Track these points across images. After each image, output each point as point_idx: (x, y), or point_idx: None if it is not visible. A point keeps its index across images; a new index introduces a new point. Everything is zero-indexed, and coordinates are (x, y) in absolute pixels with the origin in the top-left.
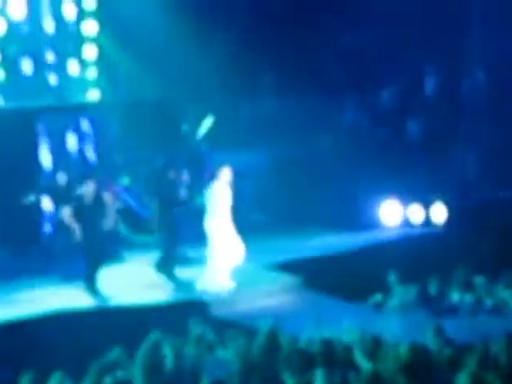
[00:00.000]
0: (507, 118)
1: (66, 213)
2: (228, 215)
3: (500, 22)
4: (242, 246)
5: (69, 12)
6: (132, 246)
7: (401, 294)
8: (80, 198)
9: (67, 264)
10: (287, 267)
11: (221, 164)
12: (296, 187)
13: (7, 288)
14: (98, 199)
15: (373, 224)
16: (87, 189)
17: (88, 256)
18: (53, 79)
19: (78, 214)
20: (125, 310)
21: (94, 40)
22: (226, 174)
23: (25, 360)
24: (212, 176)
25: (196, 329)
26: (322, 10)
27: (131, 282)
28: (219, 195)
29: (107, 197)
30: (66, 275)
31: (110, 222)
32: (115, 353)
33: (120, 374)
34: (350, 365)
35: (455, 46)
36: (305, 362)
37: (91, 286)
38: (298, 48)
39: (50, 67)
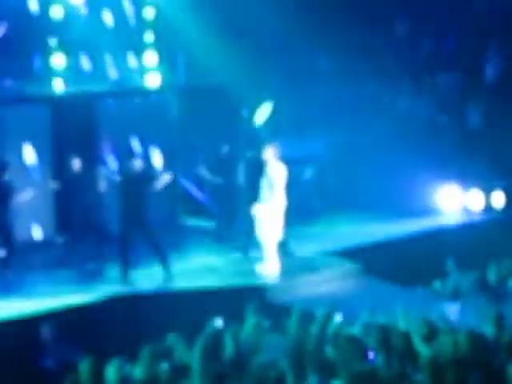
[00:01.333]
0: None
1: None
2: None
3: None
4: (281, 231)
5: None
6: (190, 232)
7: (459, 280)
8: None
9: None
10: (346, 253)
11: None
12: (354, 173)
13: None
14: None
15: (431, 210)
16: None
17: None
18: (112, 64)
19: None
20: (183, 294)
21: (152, 24)
22: (271, 151)
23: (85, 344)
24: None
25: (253, 315)
26: None
27: (190, 266)
28: (274, 176)
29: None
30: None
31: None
32: (170, 339)
33: (176, 359)
34: (407, 351)
35: None
36: (360, 349)
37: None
38: (353, 34)
39: (110, 52)
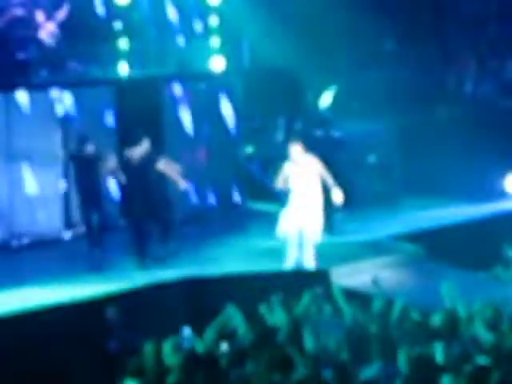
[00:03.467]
0: None
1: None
2: (315, 189)
3: None
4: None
5: None
6: (254, 214)
7: None
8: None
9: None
10: (410, 238)
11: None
12: (420, 157)
13: None
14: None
15: (499, 195)
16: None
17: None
18: (177, 47)
19: None
20: (247, 277)
21: (217, 9)
22: (296, 151)
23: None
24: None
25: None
26: None
27: (254, 249)
28: (291, 176)
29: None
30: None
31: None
32: (230, 311)
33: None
34: (471, 337)
35: None
36: (425, 333)
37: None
38: (419, 17)
39: (174, 35)
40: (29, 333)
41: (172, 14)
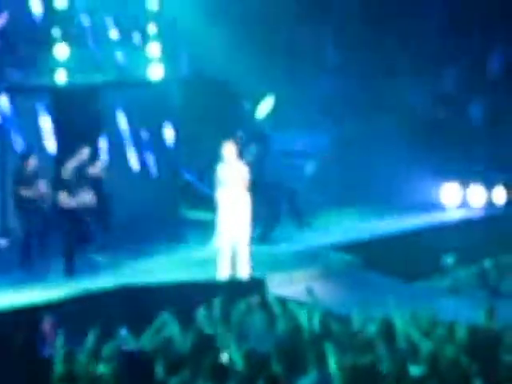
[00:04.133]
0: None
1: None
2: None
3: None
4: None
5: None
6: (190, 224)
7: (458, 275)
8: None
9: None
10: (346, 248)
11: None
12: (357, 168)
13: None
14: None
15: (433, 205)
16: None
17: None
18: (115, 55)
19: None
20: (183, 285)
21: (156, 16)
22: (229, 152)
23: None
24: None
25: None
26: None
27: (190, 257)
28: (227, 174)
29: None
30: None
31: None
32: (164, 317)
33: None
34: (408, 344)
35: None
36: (362, 342)
37: None
38: (360, 28)
39: (113, 43)
40: None
41: (110, 21)
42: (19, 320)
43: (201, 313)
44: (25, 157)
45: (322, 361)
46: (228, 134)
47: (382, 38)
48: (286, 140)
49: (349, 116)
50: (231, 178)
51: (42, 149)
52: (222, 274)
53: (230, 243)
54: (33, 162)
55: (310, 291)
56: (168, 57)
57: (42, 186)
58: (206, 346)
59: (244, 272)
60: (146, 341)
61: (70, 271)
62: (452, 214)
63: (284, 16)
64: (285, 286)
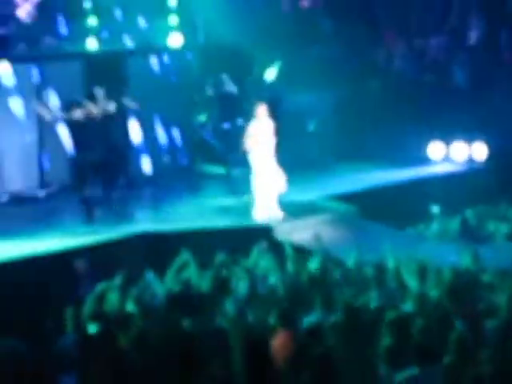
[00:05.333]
0: None
1: None
2: (271, 150)
3: None
4: (284, 179)
5: None
6: (205, 177)
7: (443, 223)
8: None
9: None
10: (343, 198)
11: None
12: (353, 126)
13: None
14: None
15: (421, 160)
16: None
17: None
18: (140, 24)
19: None
20: (201, 231)
21: None
22: (262, 112)
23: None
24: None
25: (259, 251)
26: None
27: (206, 208)
28: (256, 133)
29: None
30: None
31: None
32: (184, 256)
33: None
34: (398, 285)
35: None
36: (360, 282)
37: None
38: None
39: (137, 14)
40: (6, 280)
41: None
42: (56, 264)
43: (218, 257)
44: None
45: (325, 300)
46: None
47: (372, 7)
48: (291, 100)
49: (343, 80)
50: (263, 134)
51: None
52: (258, 218)
53: (263, 192)
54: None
55: (317, 237)
56: (186, 26)
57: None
58: (223, 286)
59: (276, 215)
60: (169, 282)
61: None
62: (437, 169)
63: None
64: (289, 233)
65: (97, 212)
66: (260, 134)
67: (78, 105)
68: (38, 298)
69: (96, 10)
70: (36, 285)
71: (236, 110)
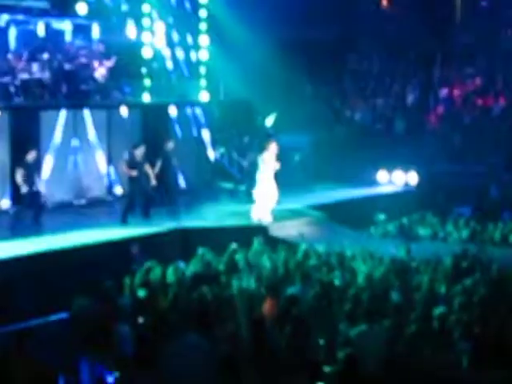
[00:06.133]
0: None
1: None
2: (272, 173)
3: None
4: (276, 193)
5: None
6: (220, 191)
7: (385, 227)
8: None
9: None
10: (317, 207)
11: (273, 140)
12: (327, 158)
13: None
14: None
15: (372, 183)
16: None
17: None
18: (180, 84)
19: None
20: (217, 228)
21: (205, 62)
22: (273, 147)
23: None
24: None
25: (258, 243)
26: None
27: (221, 212)
28: (267, 160)
29: None
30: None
31: None
32: (202, 250)
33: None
34: (353, 268)
35: (426, 75)
36: (328, 266)
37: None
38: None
39: (177, 77)
40: (87, 258)
41: (177, 63)
42: (117, 247)
43: (231, 246)
44: (135, 147)
45: (304, 277)
46: (250, 136)
47: (342, 80)
48: (283, 139)
49: (320, 126)
50: (271, 161)
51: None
52: (261, 218)
53: (267, 200)
54: (139, 152)
55: (301, 234)
56: (212, 87)
57: (148, 168)
58: (233, 267)
59: (270, 218)
60: (194, 266)
61: (147, 217)
62: (383, 189)
63: (279, 64)
64: (280, 230)
65: (150, 212)
66: (269, 161)
67: (137, 146)
68: (106, 271)
69: (149, 74)
70: (105, 261)
71: (243, 147)
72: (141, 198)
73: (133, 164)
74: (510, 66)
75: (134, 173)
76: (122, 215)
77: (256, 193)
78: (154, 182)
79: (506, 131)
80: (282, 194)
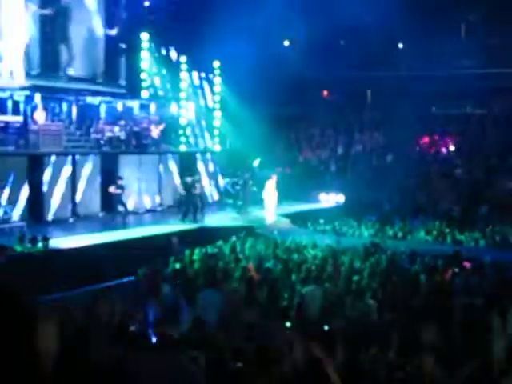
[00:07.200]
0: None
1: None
2: (274, 192)
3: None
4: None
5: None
6: (227, 205)
7: (324, 227)
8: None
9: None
10: (285, 215)
11: (270, 174)
12: (288, 185)
13: None
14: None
15: (317, 201)
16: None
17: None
18: (202, 139)
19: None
20: (228, 227)
21: (218, 128)
22: (274, 177)
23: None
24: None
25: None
26: None
27: (230, 217)
28: (270, 185)
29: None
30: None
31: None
32: (219, 243)
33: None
34: (307, 252)
35: (349, 137)
36: (289, 251)
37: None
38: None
39: (201, 135)
40: (148, 243)
41: (200, 127)
42: (162, 239)
43: (232, 238)
44: (186, 176)
45: (276, 258)
46: (248, 172)
47: (299, 138)
48: (262, 173)
49: (285, 166)
50: (272, 184)
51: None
52: (268, 219)
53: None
54: (189, 179)
55: (274, 231)
56: (221, 140)
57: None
58: (233, 251)
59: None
60: (210, 249)
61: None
62: (323, 204)
63: (264, 129)
64: (261, 229)
65: (187, 217)
66: (271, 186)
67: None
68: (154, 255)
69: (184, 134)
70: (154, 248)
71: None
72: (191, 207)
73: (185, 186)
74: (403, 131)
75: (184, 191)
76: (192, 217)
77: (265, 204)
78: (187, 196)
79: (396, 172)
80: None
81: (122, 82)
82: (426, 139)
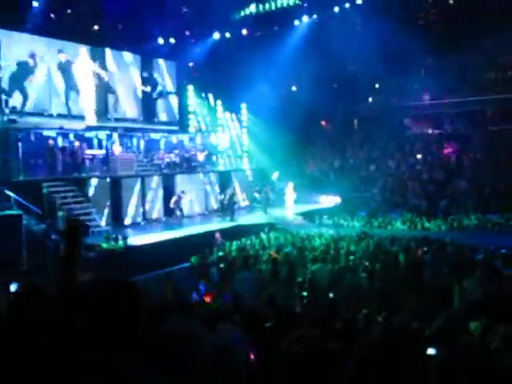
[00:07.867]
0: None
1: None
2: (292, 196)
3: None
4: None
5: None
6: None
7: (327, 221)
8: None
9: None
10: (298, 214)
11: (286, 184)
12: (299, 191)
13: None
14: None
15: (319, 202)
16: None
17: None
18: (235, 160)
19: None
20: (249, 225)
21: (246, 151)
22: (290, 186)
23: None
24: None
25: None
26: None
27: (255, 217)
28: (288, 191)
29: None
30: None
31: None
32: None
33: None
34: (313, 241)
35: (342, 153)
36: (302, 239)
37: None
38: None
39: (234, 157)
40: (199, 238)
41: (234, 150)
42: (207, 235)
43: (261, 233)
44: (227, 189)
45: (292, 244)
46: (269, 184)
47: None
48: (279, 184)
49: (295, 177)
50: (290, 190)
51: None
52: (288, 216)
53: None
54: (229, 191)
55: (291, 225)
56: (250, 161)
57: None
58: (261, 242)
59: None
60: (245, 240)
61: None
62: (324, 204)
63: (280, 151)
64: (287, 224)
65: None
66: (290, 190)
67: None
68: (203, 246)
69: (222, 157)
70: (203, 242)
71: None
72: (229, 211)
73: (225, 195)
74: (381, 148)
75: (225, 200)
76: (230, 218)
77: (286, 205)
78: (226, 202)
79: (378, 178)
80: (281, 207)
81: (175, 122)
82: (399, 154)
